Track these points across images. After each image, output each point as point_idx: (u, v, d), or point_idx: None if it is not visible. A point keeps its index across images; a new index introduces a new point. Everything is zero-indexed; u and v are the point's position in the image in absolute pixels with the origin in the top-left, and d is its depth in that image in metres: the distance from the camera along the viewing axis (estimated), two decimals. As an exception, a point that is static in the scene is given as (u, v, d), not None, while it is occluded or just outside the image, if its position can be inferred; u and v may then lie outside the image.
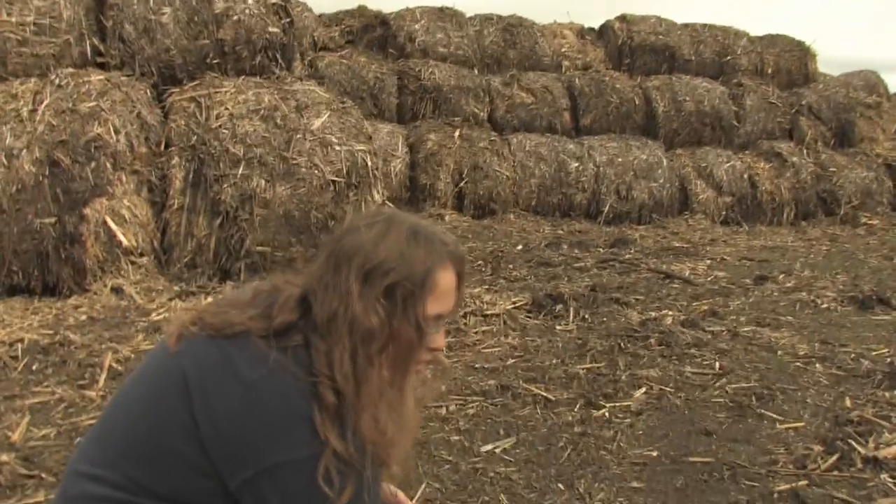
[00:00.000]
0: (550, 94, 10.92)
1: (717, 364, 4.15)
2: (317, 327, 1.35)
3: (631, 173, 10.41)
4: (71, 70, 5.93)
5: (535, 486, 2.86)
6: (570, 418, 3.46)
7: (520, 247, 7.85)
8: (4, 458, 2.86)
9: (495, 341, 4.52)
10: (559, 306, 5.17)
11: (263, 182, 5.68)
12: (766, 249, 8.53)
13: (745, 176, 10.99)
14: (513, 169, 10.09)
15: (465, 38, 11.14)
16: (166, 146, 5.88)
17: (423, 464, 2.99)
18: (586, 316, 5.07)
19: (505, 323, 4.87)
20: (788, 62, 12.57)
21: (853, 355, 4.39)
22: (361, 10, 11.42)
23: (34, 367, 3.92)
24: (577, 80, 11.21)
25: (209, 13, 6.34)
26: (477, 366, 4.10)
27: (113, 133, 5.56)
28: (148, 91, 6.11)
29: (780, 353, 4.41)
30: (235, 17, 6.38)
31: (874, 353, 4.43)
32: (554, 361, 4.18)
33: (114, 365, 3.89)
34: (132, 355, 4.06)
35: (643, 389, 3.77)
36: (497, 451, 3.13)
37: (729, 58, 12.10)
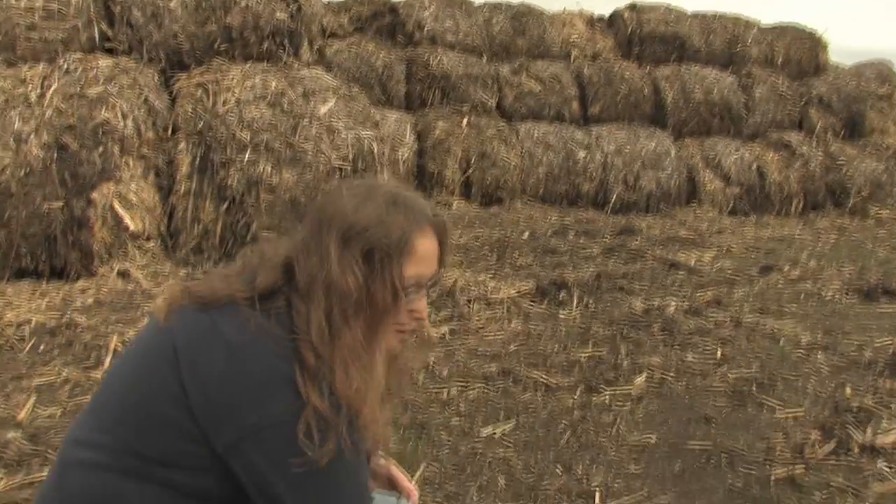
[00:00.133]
0: (559, 82, 10.89)
1: (719, 352, 4.16)
2: (299, 291, 1.38)
3: (639, 163, 10.38)
4: (79, 55, 5.96)
5: (534, 468, 2.88)
6: (570, 403, 3.49)
7: (526, 235, 7.85)
8: (11, 435, 2.91)
9: (498, 327, 4.54)
10: (563, 293, 5.19)
11: (270, 167, 5.70)
12: (773, 240, 8.50)
13: (754, 166, 10.95)
14: (521, 157, 10.08)
15: (473, 26, 11.11)
16: (173, 131, 5.91)
17: (423, 445, 3.02)
18: (590, 303, 5.08)
19: (509, 309, 4.89)
20: (799, 52, 12.49)
21: (856, 345, 4.39)
22: (370, -3, 11.41)
23: (41, 349, 3.97)
24: (585, 68, 11.17)
25: (217, -1, 6.36)
26: (479, 351, 4.12)
27: (120, 118, 5.59)
28: (155, 76, 6.13)
29: (782, 342, 4.42)
30: (243, 3, 6.39)
31: (877, 342, 4.44)
32: (556, 347, 4.20)
33: (119, 347, 3.93)
34: (138, 338, 4.09)
35: (644, 376, 3.79)
36: (497, 434, 3.15)
37: (739, 48, 12.03)
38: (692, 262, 6.61)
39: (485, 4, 11.53)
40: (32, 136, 5.40)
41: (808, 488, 2.73)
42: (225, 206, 5.67)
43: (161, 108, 5.95)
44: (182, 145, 5.79)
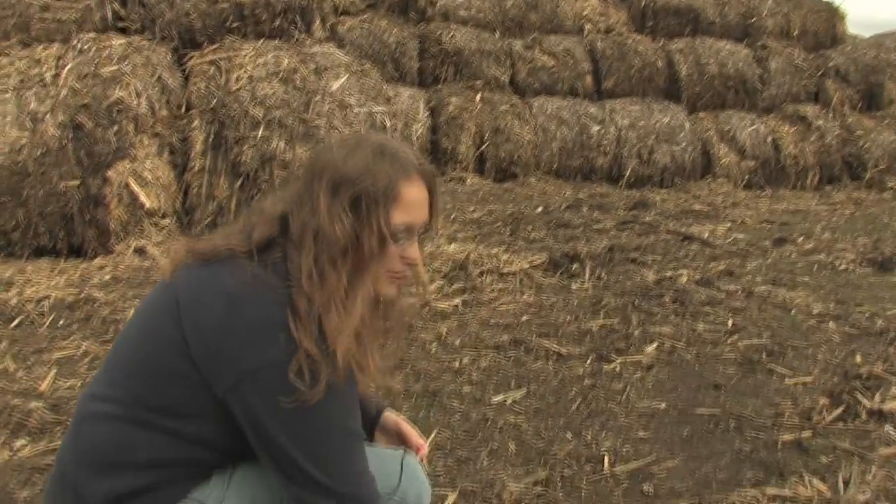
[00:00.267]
0: (572, 57, 10.85)
1: (730, 321, 4.18)
2: (293, 241, 1.44)
3: (653, 136, 10.35)
4: (92, 35, 6.00)
5: (544, 434, 2.93)
6: (580, 372, 3.52)
7: (540, 209, 7.86)
8: (34, 405, 2.98)
9: (511, 298, 4.58)
10: (576, 265, 5.21)
11: (283, 144, 5.74)
12: (787, 213, 8.48)
13: (769, 140, 10.88)
14: (534, 132, 10.07)
15: (486, 1, 11.07)
16: (187, 109, 5.95)
17: (435, 412, 3.07)
18: (602, 275, 5.10)
19: (521, 281, 4.92)
20: (816, 24, 12.34)
21: (868, 314, 4.40)
22: (382, -26, 11.37)
23: (60, 323, 4.04)
24: (598, 42, 11.11)
25: (229, -24, 6.37)
26: (492, 322, 4.16)
27: (134, 96, 5.64)
28: (168, 55, 6.16)
29: (793, 311, 4.43)
30: (254, -19, 6.41)
31: (889, 312, 4.44)
32: (568, 318, 4.23)
33: (137, 320, 3.99)
34: (155, 312, 4.16)
35: (655, 345, 3.82)
36: (507, 401, 3.20)
37: (754, 20, 11.91)
38: (706, 235, 6.61)
39: (497, -21, 11.46)
40: (48, 116, 5.47)
41: (815, 452, 2.76)
42: (239, 182, 5.71)
43: (174, 86, 5.99)
44: (196, 123, 5.83)
